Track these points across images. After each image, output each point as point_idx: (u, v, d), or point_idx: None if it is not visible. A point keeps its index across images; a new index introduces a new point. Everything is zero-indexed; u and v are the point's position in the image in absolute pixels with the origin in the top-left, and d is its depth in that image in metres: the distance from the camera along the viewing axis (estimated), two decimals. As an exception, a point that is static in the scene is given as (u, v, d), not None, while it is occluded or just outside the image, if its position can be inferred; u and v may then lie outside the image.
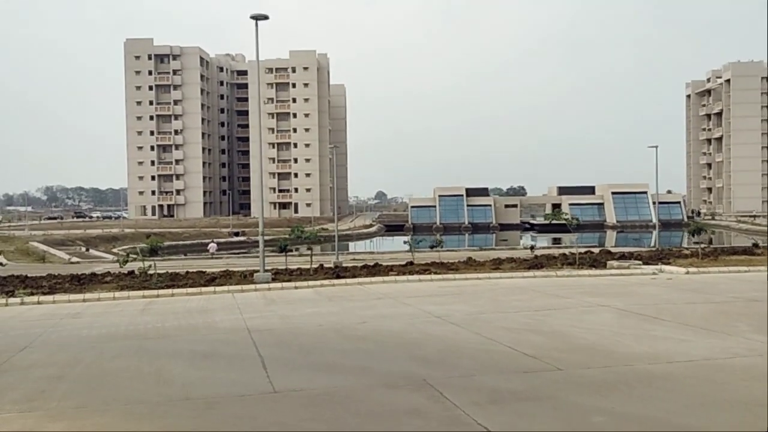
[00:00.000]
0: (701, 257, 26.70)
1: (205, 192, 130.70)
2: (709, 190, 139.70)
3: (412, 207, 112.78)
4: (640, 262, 25.26)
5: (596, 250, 31.68)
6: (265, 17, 21.47)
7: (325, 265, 27.34)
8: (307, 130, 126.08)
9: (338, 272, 23.85)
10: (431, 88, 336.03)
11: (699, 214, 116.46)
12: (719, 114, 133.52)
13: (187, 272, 25.48)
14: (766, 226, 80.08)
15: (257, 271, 23.47)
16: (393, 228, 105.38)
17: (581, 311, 14.76)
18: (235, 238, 76.66)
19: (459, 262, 27.65)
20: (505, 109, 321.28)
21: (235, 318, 15.11)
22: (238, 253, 54.81)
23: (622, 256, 28.09)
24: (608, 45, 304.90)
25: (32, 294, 20.28)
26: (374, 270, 24.65)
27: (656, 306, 15.23)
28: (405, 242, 35.71)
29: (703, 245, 51.94)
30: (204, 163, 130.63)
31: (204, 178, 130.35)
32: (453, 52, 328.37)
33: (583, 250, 29.55)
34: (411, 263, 27.13)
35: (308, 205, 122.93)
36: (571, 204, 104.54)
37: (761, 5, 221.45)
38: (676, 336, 11.72)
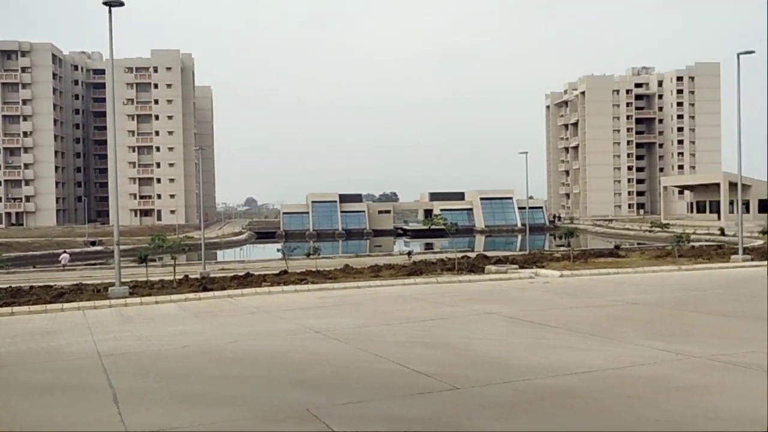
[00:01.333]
0: (572, 260, 27.20)
1: (58, 198, 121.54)
2: (567, 195, 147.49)
3: (284, 213, 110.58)
4: (517, 266, 25.30)
5: (472, 255, 31.69)
6: (120, 3, 19.40)
7: (191, 276, 25.32)
8: (170, 133, 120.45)
9: (205, 284, 22.03)
10: (304, 94, 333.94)
11: (559, 218, 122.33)
12: (576, 124, 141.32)
13: (32, 287, 22.71)
14: (646, 230, 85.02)
15: (113, 284, 21.19)
16: (264, 235, 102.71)
17: (469, 320, 14.09)
18: (92, 248, 71.37)
19: (336, 269, 26.58)
20: (378, 116, 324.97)
21: (84, 340, 13.16)
22: (94, 264, 50.74)
23: (499, 261, 28.15)
24: (477, 57, 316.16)
25: None
26: (246, 280, 23.06)
27: (541, 312, 14.86)
28: (278, 250, 34.22)
29: (563, 248, 54.10)
30: (57, 167, 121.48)
31: (57, 183, 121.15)
32: (325, 57, 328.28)
33: (460, 255, 29.36)
34: (285, 272, 25.73)
35: (172, 212, 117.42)
36: (442, 209, 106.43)
37: (618, 20, 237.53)
38: (568, 344, 11.22)
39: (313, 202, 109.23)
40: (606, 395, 8.09)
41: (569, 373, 9.10)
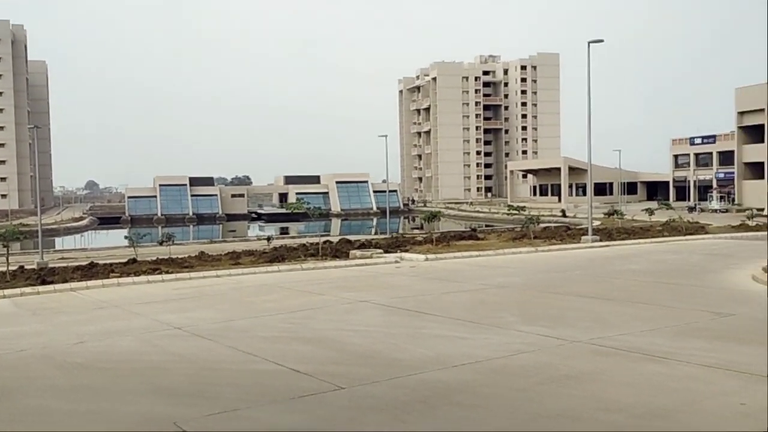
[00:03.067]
0: (435, 243, 27.38)
1: None
2: (420, 179, 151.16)
3: (130, 198, 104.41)
4: (381, 251, 25.03)
5: (335, 240, 31.11)
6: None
7: (27, 267, 22.77)
8: (0, 110, 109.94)
9: (44, 276, 19.79)
10: (154, 77, 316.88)
11: (413, 201, 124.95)
12: (428, 109, 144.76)
13: None
14: (495, 212, 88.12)
15: (-68, 280, 18.50)
16: (108, 221, 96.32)
17: (343, 310, 13.45)
18: None
19: (191, 257, 24.97)
20: (230, 99, 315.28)
21: None
22: None
23: (362, 245, 27.78)
24: (334, 41, 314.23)
25: None
26: (90, 271, 20.99)
27: (415, 298, 14.52)
28: (125, 237, 31.72)
29: (418, 230, 55.02)
30: None
31: None
32: (175, 40, 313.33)
33: (322, 239, 28.68)
34: (135, 261, 23.78)
35: (3, 196, 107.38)
36: (298, 193, 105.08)
37: (468, 7, 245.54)
38: (449, 333, 10.89)
39: (160, 185, 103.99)
40: (498, 388, 7.74)
41: (457, 365, 8.69)
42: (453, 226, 59.66)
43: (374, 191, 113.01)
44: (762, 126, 60.83)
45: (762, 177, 61.11)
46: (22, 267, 22.43)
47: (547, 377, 8.09)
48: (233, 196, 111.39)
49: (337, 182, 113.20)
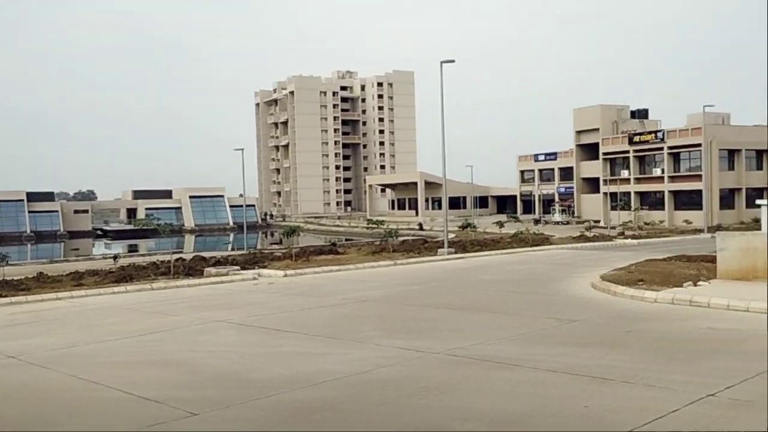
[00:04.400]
0: (294, 259, 27.10)
1: None
2: (279, 193, 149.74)
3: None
4: (238, 268, 24.40)
5: (188, 257, 29.96)
6: None
7: None
8: None
9: None
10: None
11: (271, 216, 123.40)
12: (286, 123, 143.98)
13: None
14: (355, 226, 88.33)
15: None
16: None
17: (196, 330, 12.90)
18: None
19: (28, 278, 23.08)
20: (72, 111, 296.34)
21: None
22: None
23: (218, 262, 26.94)
24: (186, 51, 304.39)
25: None
26: None
27: (273, 316, 14.22)
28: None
29: (277, 246, 54.35)
30: None
31: None
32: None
33: (174, 257, 27.50)
34: (-38, 284, 21.61)
35: None
36: (148, 208, 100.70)
37: (326, 22, 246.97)
38: (309, 350, 10.74)
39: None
40: (359, 405, 7.69)
41: (317, 383, 8.56)
42: (313, 241, 59.46)
43: (231, 206, 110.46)
44: (596, 144, 65.84)
45: (597, 191, 66.08)
46: None
47: (407, 390, 8.14)
48: (76, 212, 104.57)
49: (191, 197, 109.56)
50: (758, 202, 27.01)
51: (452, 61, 28.88)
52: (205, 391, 8.56)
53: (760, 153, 58.16)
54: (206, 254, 32.46)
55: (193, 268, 24.88)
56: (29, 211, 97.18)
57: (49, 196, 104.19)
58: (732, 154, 57.24)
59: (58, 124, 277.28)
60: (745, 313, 12.95)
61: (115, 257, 32.93)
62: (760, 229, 24.62)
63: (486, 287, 18.38)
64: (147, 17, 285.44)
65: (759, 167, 58.24)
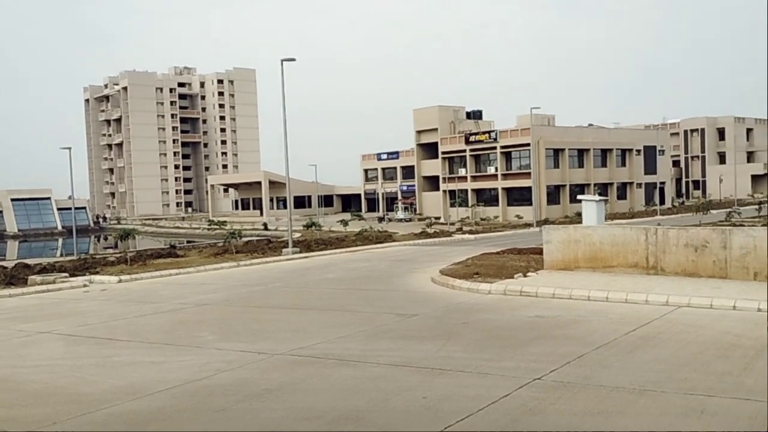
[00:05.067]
0: (130, 263, 25.75)
1: None
2: (113, 194, 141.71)
3: None
4: (67, 275, 22.76)
5: (9, 265, 27.52)
6: None
7: None
8: None
9: None
10: None
11: (104, 218, 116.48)
12: (119, 120, 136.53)
13: None
14: (196, 228, 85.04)
15: None
16: None
17: (19, 343, 11.88)
18: None
19: None
20: None
21: None
22: None
23: (44, 269, 24.96)
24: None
25: None
26: None
27: (105, 324, 13.42)
28: None
29: (112, 250, 51.42)
30: None
31: None
32: None
33: (-7, 265, 25.18)
34: None
35: None
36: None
37: (155, 18, 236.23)
38: (143, 358, 10.24)
39: None
40: (198, 412, 7.45)
41: (152, 393, 8.18)
42: (151, 244, 56.89)
43: (59, 209, 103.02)
44: (436, 144, 68.44)
45: (437, 189, 68.73)
46: None
47: (248, 393, 8.00)
48: None
49: (13, 199, 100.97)
50: (579, 197, 29.32)
51: (293, 60, 28.77)
52: (28, 408, 7.91)
53: (581, 152, 63.27)
54: (31, 261, 30.00)
55: (15, 277, 22.95)
56: None
57: None
58: (557, 153, 61.76)
59: None
60: (568, 300, 14.01)
61: None
62: (581, 222, 26.72)
63: (329, 286, 18.50)
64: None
65: (581, 165, 63.31)
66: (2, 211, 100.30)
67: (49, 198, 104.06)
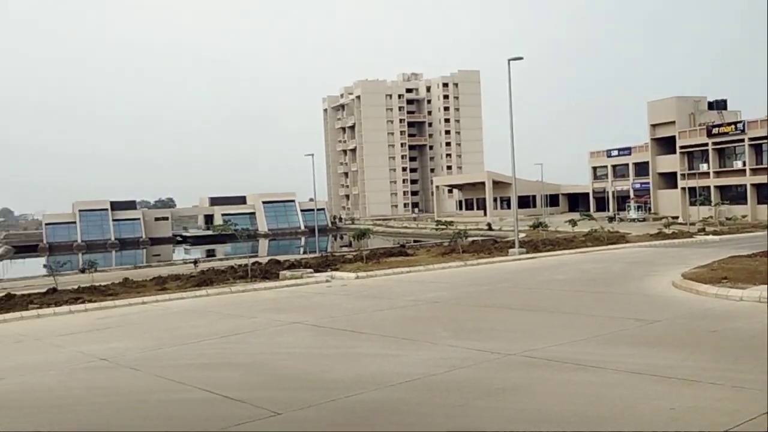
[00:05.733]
0: (365, 261, 27.35)
1: None
2: (347, 197, 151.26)
3: (48, 224, 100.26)
4: (312, 270, 24.80)
5: (264, 260, 30.67)
6: None
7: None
8: None
9: (-45, 311, 18.68)
10: (63, 101, 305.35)
11: (341, 219, 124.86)
12: (353, 127, 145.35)
13: None
14: (423, 227, 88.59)
15: None
16: (25, 249, 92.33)
17: (274, 332, 13.22)
18: None
19: (115, 284, 24.10)
20: (147, 123, 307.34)
21: None
22: None
23: (292, 265, 27.45)
24: (252, 60, 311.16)
25: None
26: (7, 303, 19.93)
27: (347, 317, 14.43)
28: (44, 265, 30.41)
29: (347, 248, 54.85)
30: None
31: None
32: (78, 65, 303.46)
33: (251, 261, 28.20)
34: (55, 290, 22.76)
35: None
36: (224, 214, 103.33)
37: (390, 27, 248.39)
38: (382, 351, 10.85)
39: (80, 210, 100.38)
40: (436, 406, 7.74)
41: (393, 384, 8.65)
42: (382, 243, 59.87)
43: (301, 210, 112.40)
44: (673, 138, 63.80)
45: (675, 186, 64.01)
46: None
47: (484, 391, 8.14)
48: (157, 219, 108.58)
49: (264, 202, 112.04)
50: None
51: (520, 59, 28.56)
52: (286, 391, 8.78)
53: None
54: (280, 258, 33.15)
55: (269, 272, 25.43)
56: (113, 220, 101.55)
57: (131, 205, 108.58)
58: (820, 143, 54.48)
59: (137, 135, 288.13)
60: (839, 311, 12.34)
61: (196, 262, 34.04)
62: None
63: (560, 287, 18.10)
64: (203, 34, 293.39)
65: None
66: (255, 213, 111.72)
67: (293, 201, 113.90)
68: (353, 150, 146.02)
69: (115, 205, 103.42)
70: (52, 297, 20.84)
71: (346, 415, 7.54)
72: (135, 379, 9.99)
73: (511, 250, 29.03)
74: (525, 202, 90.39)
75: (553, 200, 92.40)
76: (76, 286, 23.93)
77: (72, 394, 9.46)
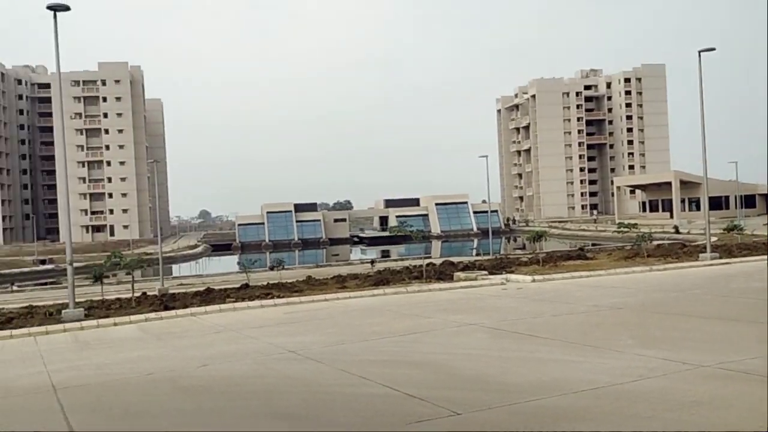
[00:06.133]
0: (541, 264, 26.79)
1: (4, 217, 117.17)
2: (521, 198, 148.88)
3: (240, 225, 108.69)
4: (486, 272, 24.73)
5: (437, 261, 31.09)
6: (66, 8, 18.20)
7: (149, 293, 24.06)
8: (121, 147, 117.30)
9: (166, 302, 20.83)
10: (251, 106, 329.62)
11: (514, 221, 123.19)
12: (527, 127, 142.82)
13: (-25, 313, 21.11)
14: (578, 231, 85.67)
15: (66, 305, 19.87)
16: (220, 247, 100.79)
17: (450, 333, 13.37)
18: (42, 267, 68.72)
19: (299, 281, 25.60)
20: (326, 124, 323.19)
21: (36, 372, 12.00)
22: (45, 284, 48.61)
23: (466, 267, 27.56)
24: (418, 64, 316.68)
25: None
26: (208, 297, 21.90)
27: (525, 321, 14.23)
28: (238, 263, 32.96)
29: (520, 251, 53.86)
30: (2, 184, 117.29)
31: (2, 201, 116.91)
32: (260, 65, 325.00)
33: (425, 262, 28.69)
34: (247, 286, 24.62)
35: (125, 227, 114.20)
36: (398, 216, 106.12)
37: (564, 24, 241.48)
38: (563, 357, 10.58)
39: (268, 212, 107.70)
40: (622, 416, 7.42)
41: (576, 391, 8.42)
42: (557, 246, 58.26)
43: (474, 212, 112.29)
44: None
45: None
46: (144, 293, 23.70)
47: (675, 404, 7.69)
48: (336, 220, 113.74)
49: (437, 204, 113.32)
50: None
51: (712, 50, 26.53)
52: (464, 392, 8.86)
53: None
54: (454, 259, 33.40)
55: (443, 273, 25.72)
56: (297, 221, 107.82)
57: (312, 207, 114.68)
58: None
59: (316, 141, 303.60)
60: None
61: (372, 262, 35.24)
62: None
63: (759, 295, 16.55)
64: (380, 36, 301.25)
65: None
66: (428, 215, 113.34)
67: (466, 202, 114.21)
68: (527, 150, 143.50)
69: (299, 207, 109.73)
70: (245, 292, 22.57)
71: (527, 420, 7.46)
72: (320, 371, 10.55)
73: (701, 255, 27.03)
74: (717, 203, 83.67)
75: (748, 201, 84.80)
76: (265, 283, 25.75)
77: (264, 382, 10.20)
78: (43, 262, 71.56)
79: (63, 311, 18.86)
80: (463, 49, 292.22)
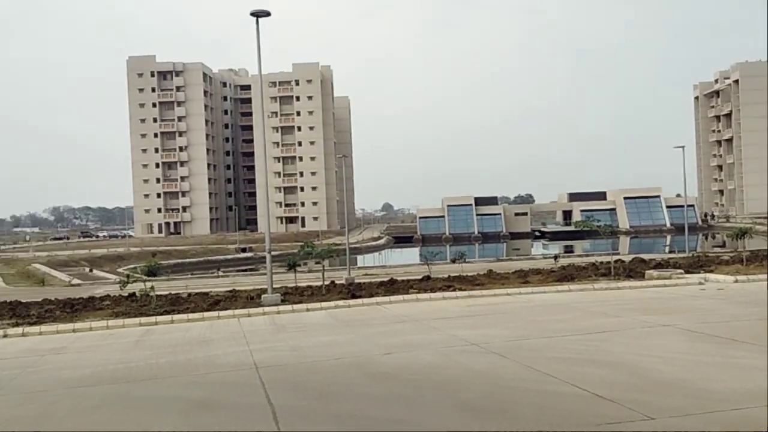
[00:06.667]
0: (745, 263, 24.60)
1: (211, 208, 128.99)
2: (721, 192, 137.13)
3: (421, 218, 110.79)
4: (682, 271, 23.17)
5: (627, 259, 29.62)
6: (267, 13, 19.65)
7: (337, 282, 25.36)
8: (312, 143, 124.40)
9: (353, 290, 21.84)
10: (433, 100, 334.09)
11: (712, 216, 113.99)
12: (728, 115, 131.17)
13: (189, 294, 23.52)
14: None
15: (265, 290, 21.52)
16: (401, 240, 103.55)
17: (641, 333, 12.72)
18: (243, 255, 74.86)
19: (480, 275, 25.63)
20: (508, 117, 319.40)
21: (240, 350, 13.13)
22: (245, 270, 52.93)
23: (659, 265, 26.01)
24: (606, 48, 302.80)
25: (18, 324, 18.37)
26: (392, 287, 22.63)
27: (726, 324, 13.18)
28: (420, 255, 33.67)
29: (719, 248, 49.64)
30: (209, 179, 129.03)
31: (210, 194, 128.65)
32: (448, 62, 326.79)
33: (613, 258, 27.44)
34: (428, 278, 25.11)
35: (315, 218, 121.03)
36: (582, 210, 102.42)
37: (760, 8, 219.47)
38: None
39: (448, 206, 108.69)
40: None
41: (785, 403, 7.69)
42: (763, 245, 53.09)
43: (667, 206, 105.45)
44: None
45: None
46: (333, 282, 25.01)
47: None
48: (516, 214, 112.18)
49: (625, 198, 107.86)
50: None
51: None
52: (657, 396, 8.41)
53: None
54: (645, 256, 31.67)
55: (633, 270, 24.52)
56: (477, 215, 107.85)
57: (493, 201, 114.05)
58: None
59: (497, 136, 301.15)
60: None
61: (556, 257, 34.42)
62: None
63: None
64: (576, 30, 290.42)
65: None
66: (616, 209, 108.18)
67: (658, 196, 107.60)
68: (729, 140, 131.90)
69: (479, 201, 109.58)
70: (427, 283, 23.03)
71: (726, 429, 6.94)
72: (504, 366, 10.52)
73: None
74: None
75: None
76: (446, 275, 26.09)
77: (449, 373, 10.36)
78: (243, 250, 77.85)
79: (262, 296, 20.45)
80: (652, 34, 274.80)
